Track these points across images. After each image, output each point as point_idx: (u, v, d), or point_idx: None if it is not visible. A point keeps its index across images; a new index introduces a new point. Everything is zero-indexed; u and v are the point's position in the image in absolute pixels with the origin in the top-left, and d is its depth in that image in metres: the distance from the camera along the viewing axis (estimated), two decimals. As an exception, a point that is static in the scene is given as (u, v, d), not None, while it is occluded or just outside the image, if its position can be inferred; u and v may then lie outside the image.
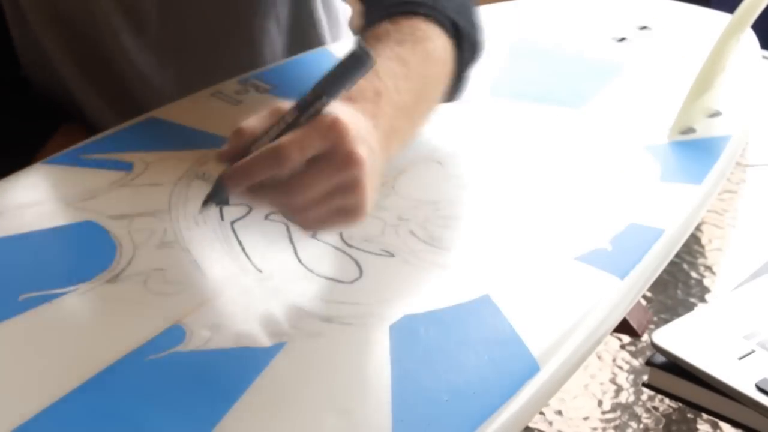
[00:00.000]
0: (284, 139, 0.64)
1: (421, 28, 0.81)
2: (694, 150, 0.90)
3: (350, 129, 0.65)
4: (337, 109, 0.66)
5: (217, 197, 0.67)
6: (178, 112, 0.91)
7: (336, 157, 0.65)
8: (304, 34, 1.09)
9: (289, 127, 0.65)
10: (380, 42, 0.78)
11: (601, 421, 0.80)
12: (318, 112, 0.65)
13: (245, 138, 0.66)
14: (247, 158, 0.65)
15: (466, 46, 0.84)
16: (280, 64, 1.02)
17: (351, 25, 1.03)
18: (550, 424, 0.79)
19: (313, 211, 0.66)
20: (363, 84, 0.71)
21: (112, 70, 1.04)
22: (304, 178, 0.65)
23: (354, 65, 0.66)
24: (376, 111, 0.71)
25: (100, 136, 0.88)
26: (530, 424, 0.76)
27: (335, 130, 0.65)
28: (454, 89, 0.85)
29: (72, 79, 1.05)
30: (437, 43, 0.81)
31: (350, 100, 0.69)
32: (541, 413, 0.79)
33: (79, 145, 0.87)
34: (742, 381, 0.71)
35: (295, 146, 0.64)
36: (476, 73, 0.93)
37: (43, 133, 1.05)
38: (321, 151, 0.65)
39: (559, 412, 0.80)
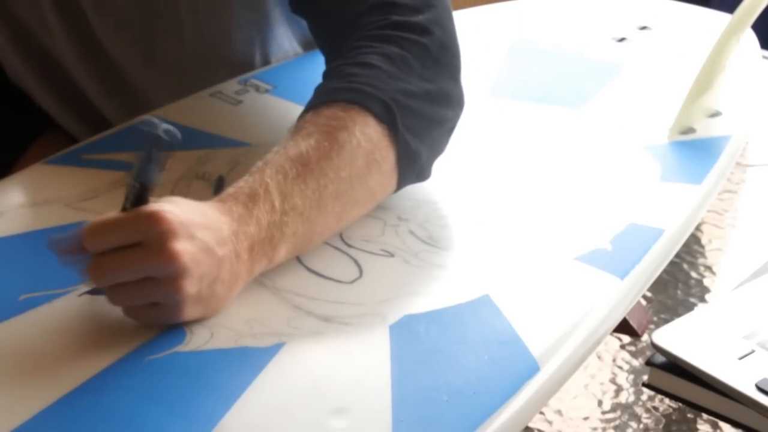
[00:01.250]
0: (102, 218, 0.64)
1: (338, 117, 0.74)
2: (694, 150, 0.90)
3: (170, 223, 0.63)
4: (170, 203, 0.65)
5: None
6: (178, 112, 0.91)
7: (149, 250, 0.64)
8: None
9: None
10: (290, 136, 0.74)
11: (601, 421, 0.80)
12: (142, 200, 0.65)
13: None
14: (74, 231, 0.65)
15: (404, 125, 0.76)
16: (280, 64, 1.02)
17: None
18: (550, 423, 0.80)
19: (121, 295, 0.65)
20: (242, 184, 0.69)
21: (64, 77, 1.02)
22: (111, 260, 0.64)
23: (155, 145, 0.65)
24: (244, 214, 0.68)
25: (99, 136, 0.88)
26: (530, 424, 0.76)
27: (150, 221, 0.63)
28: (406, 174, 0.78)
29: (29, 83, 1.03)
30: (357, 130, 0.73)
31: (220, 201, 0.68)
32: (541, 413, 0.79)
33: (79, 145, 0.87)
34: (742, 381, 0.71)
35: (107, 226, 0.64)
36: (476, 73, 0.93)
37: (21, 143, 1.04)
38: (134, 240, 0.64)
39: (559, 412, 0.80)
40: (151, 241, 0.63)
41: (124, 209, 0.65)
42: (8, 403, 0.61)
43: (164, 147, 0.65)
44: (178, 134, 0.64)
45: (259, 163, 0.71)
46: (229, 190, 0.69)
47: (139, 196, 0.65)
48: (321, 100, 0.76)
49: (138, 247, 0.64)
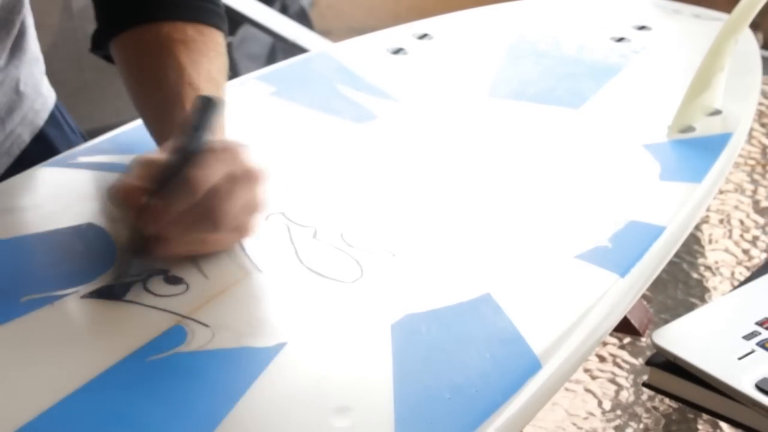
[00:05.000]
0: (190, 171, 0.68)
1: (220, 44, 0.84)
2: (693, 148, 0.90)
3: (240, 145, 0.71)
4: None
5: (136, 245, 0.70)
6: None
7: (247, 173, 0.70)
8: None
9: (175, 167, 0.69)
10: (195, 53, 0.81)
11: (601, 421, 0.80)
12: (197, 149, 0.70)
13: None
14: (159, 197, 0.68)
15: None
16: (281, 67, 1.02)
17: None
18: (550, 423, 0.80)
19: (233, 227, 0.71)
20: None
21: None
22: (224, 202, 0.69)
23: (208, 112, 0.71)
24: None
25: (99, 138, 0.88)
26: (530, 423, 0.76)
27: (240, 152, 0.71)
28: None
29: None
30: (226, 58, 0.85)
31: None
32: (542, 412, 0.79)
33: (79, 147, 0.87)
34: (742, 381, 0.71)
35: (202, 174, 0.68)
36: (475, 73, 0.93)
37: None
38: (225, 173, 0.69)
39: (559, 412, 0.81)
40: (240, 165, 0.70)
41: (167, 173, 0.69)
42: (11, 404, 0.61)
43: (215, 113, 0.71)
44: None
45: (191, 91, 0.78)
46: None
47: (184, 162, 0.69)
48: (193, 16, 0.84)
49: (231, 178, 0.69)
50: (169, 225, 0.69)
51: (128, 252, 0.70)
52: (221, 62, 0.83)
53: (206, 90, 0.79)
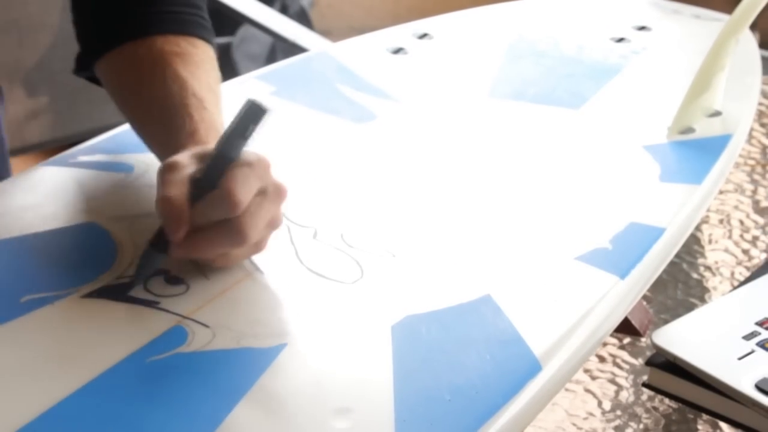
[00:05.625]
0: (230, 186, 0.67)
1: (212, 57, 0.83)
2: (693, 150, 0.90)
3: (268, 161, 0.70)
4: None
5: (158, 248, 0.69)
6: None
7: (272, 190, 0.70)
8: None
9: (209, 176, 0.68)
10: (192, 65, 0.80)
11: (601, 421, 0.80)
12: (234, 158, 0.69)
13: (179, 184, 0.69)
14: (194, 206, 0.68)
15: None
16: (281, 66, 1.02)
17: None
18: (550, 423, 0.80)
19: (255, 242, 0.70)
20: (205, 124, 0.75)
21: None
22: (254, 219, 0.68)
23: (253, 119, 0.69)
24: None
25: (100, 137, 0.88)
26: (530, 424, 0.76)
27: (263, 165, 0.70)
28: None
29: None
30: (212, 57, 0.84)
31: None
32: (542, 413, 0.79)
33: (80, 147, 0.87)
34: (742, 381, 0.71)
35: (242, 191, 0.67)
36: (475, 73, 0.93)
37: None
38: (258, 189, 0.69)
39: (560, 412, 0.81)
40: (273, 183, 0.70)
41: (201, 178, 0.68)
42: (11, 404, 0.61)
43: (261, 122, 0.69)
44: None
45: (195, 101, 0.77)
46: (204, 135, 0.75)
47: (221, 168, 0.68)
48: (180, 28, 0.83)
49: (268, 191, 0.69)
50: (201, 237, 0.69)
51: (153, 252, 0.70)
52: (216, 75, 0.83)
53: (210, 101, 0.78)
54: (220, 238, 0.69)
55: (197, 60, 0.81)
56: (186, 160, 0.70)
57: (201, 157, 0.70)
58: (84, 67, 0.87)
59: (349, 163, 0.87)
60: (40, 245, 0.75)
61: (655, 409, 0.82)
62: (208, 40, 0.84)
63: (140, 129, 0.83)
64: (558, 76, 1.03)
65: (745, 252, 1.00)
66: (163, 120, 0.78)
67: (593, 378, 0.84)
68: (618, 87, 1.01)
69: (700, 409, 0.74)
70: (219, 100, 0.80)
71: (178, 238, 0.68)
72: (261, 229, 0.69)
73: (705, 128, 0.94)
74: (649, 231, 0.78)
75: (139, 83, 0.81)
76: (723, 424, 0.79)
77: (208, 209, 0.68)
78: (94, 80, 0.88)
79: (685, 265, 0.98)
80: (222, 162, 0.68)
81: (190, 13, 0.84)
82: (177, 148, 0.73)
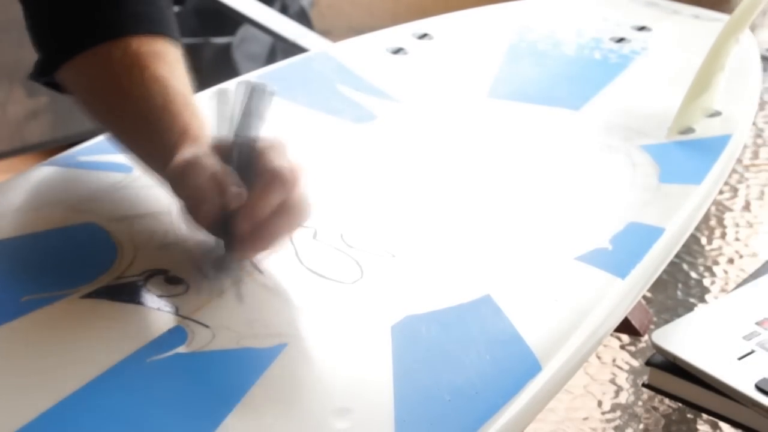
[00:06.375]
0: (277, 164, 0.67)
1: (181, 57, 0.81)
2: (693, 150, 0.90)
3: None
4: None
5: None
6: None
7: (299, 200, 0.69)
8: None
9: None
10: (169, 65, 0.78)
11: (601, 421, 0.80)
12: (252, 157, 0.68)
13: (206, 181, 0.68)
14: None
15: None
16: (281, 67, 1.02)
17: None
18: (550, 424, 0.80)
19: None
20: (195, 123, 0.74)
21: None
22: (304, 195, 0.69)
23: (256, 98, 0.69)
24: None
25: (100, 138, 0.88)
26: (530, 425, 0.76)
27: (282, 144, 0.69)
28: None
29: None
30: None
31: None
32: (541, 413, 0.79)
33: (80, 147, 0.87)
34: (742, 381, 0.71)
35: (290, 165, 0.68)
36: (474, 74, 0.93)
37: None
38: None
39: (559, 412, 0.81)
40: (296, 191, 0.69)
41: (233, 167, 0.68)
42: (10, 404, 0.61)
43: (265, 100, 0.68)
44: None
45: (181, 99, 0.76)
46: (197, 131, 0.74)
47: (249, 153, 0.68)
48: (148, 28, 0.81)
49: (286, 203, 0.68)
50: (264, 222, 0.68)
51: (217, 254, 0.70)
52: (188, 75, 0.81)
53: (193, 99, 0.77)
54: (285, 220, 0.68)
55: (172, 60, 0.80)
56: (199, 152, 0.69)
57: (214, 149, 0.69)
58: (44, 72, 0.84)
59: (349, 163, 0.87)
60: (40, 245, 0.75)
61: (655, 409, 0.82)
62: (178, 40, 0.82)
63: (120, 133, 0.81)
64: (558, 76, 1.03)
65: (745, 252, 1.00)
66: (149, 121, 0.76)
67: (593, 378, 0.84)
68: (618, 87, 1.01)
69: (700, 409, 0.74)
70: (197, 101, 0.79)
71: (247, 224, 0.67)
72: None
73: (705, 128, 0.93)
74: (649, 231, 0.78)
75: (117, 86, 0.79)
76: (723, 424, 0.80)
77: (264, 195, 0.67)
78: (53, 85, 0.84)
79: (685, 265, 0.98)
80: (248, 146, 0.68)
81: (158, 12, 0.82)
82: (169, 148, 0.72)
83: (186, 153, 0.69)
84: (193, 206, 0.69)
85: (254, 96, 0.68)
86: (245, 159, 0.68)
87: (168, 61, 0.79)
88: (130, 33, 0.80)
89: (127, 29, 0.80)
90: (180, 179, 0.69)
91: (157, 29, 0.81)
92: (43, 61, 0.83)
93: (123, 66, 0.79)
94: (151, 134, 0.76)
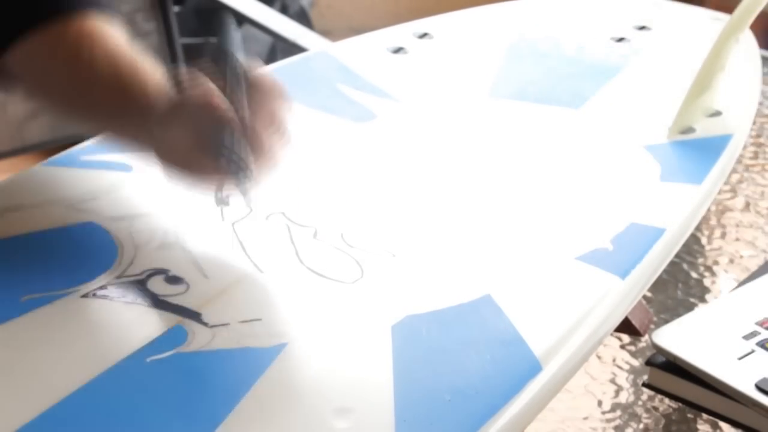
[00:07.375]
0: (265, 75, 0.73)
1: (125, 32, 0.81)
2: (694, 150, 0.90)
3: None
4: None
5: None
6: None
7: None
8: None
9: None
10: (119, 39, 0.79)
11: (601, 421, 0.80)
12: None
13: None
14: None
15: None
16: (281, 66, 1.02)
17: None
18: (549, 424, 0.80)
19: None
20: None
21: None
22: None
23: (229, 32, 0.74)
24: None
25: (100, 137, 0.88)
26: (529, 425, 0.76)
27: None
28: None
29: None
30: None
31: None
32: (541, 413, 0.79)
33: (80, 146, 0.87)
34: (742, 381, 0.71)
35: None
36: (474, 73, 0.93)
37: None
38: None
39: (559, 412, 0.81)
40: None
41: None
42: (10, 404, 0.61)
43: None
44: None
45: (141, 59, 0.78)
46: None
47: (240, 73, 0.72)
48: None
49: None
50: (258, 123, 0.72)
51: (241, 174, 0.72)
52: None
53: (157, 67, 0.77)
54: (278, 130, 0.74)
55: (119, 34, 0.80)
56: (202, 80, 0.72)
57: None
58: None
59: (349, 163, 0.87)
60: (40, 245, 0.75)
61: (655, 409, 0.82)
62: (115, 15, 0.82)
63: (86, 106, 0.80)
64: (558, 75, 1.03)
65: (745, 252, 1.00)
66: (119, 87, 0.76)
67: (593, 378, 0.84)
68: (618, 87, 1.01)
69: (700, 409, 0.74)
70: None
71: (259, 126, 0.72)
72: None
73: (705, 128, 0.93)
74: (649, 231, 0.78)
75: (75, 67, 0.78)
76: (723, 424, 0.80)
77: (258, 98, 0.72)
78: None
79: (685, 265, 0.98)
80: (243, 70, 0.72)
81: None
82: (141, 98, 0.74)
83: (190, 86, 0.72)
84: (214, 130, 0.71)
85: (223, 34, 0.73)
86: (237, 81, 0.72)
87: (116, 35, 0.80)
88: (74, 10, 0.80)
89: (73, 5, 0.80)
90: (201, 105, 0.71)
91: (100, 5, 0.81)
92: None
93: (74, 43, 0.78)
94: (125, 98, 0.76)
